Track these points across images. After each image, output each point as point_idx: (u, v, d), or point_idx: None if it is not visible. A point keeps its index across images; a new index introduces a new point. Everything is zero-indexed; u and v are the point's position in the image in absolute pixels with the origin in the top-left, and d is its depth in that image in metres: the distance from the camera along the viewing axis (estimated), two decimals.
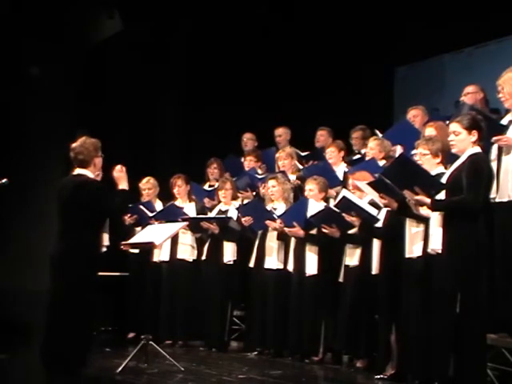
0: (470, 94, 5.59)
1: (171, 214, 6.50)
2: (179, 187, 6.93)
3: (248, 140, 7.69)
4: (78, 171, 4.55)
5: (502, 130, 4.56)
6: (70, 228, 4.46)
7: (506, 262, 4.42)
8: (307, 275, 5.85)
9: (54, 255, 4.49)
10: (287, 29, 8.56)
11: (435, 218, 4.43)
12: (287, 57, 8.67)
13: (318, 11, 8.42)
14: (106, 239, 6.33)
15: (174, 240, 6.65)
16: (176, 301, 6.69)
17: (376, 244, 5.26)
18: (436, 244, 4.39)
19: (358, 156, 6.60)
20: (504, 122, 4.66)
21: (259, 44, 8.71)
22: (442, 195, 4.37)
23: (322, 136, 7.13)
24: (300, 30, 8.54)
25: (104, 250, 6.06)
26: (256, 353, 6.18)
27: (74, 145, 4.58)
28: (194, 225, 6.65)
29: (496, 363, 4.43)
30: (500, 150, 4.54)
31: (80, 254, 4.41)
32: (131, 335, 6.80)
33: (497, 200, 4.49)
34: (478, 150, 4.36)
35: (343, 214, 5.45)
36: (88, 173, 4.54)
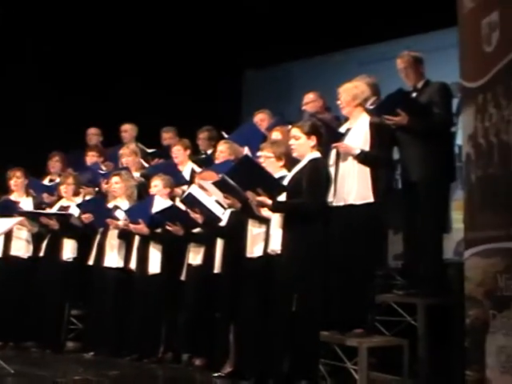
0: (310, 103, 5.83)
1: (6, 209, 6.23)
2: (17, 179, 6.65)
3: (93, 135, 7.51)
4: None
5: (341, 136, 4.77)
6: None
7: (340, 263, 4.61)
8: (150, 274, 5.80)
9: None
10: (134, 28, 8.43)
11: (276, 220, 4.56)
12: (137, 55, 8.55)
13: (154, 13, 8.37)
14: None
15: (8, 235, 6.35)
16: (8, 299, 6.34)
17: (220, 243, 5.31)
18: (275, 245, 4.51)
19: (204, 156, 6.66)
20: (342, 129, 4.87)
21: (107, 37, 8.50)
22: (283, 197, 4.51)
23: (167, 134, 7.12)
24: (147, 28, 8.45)
25: None
26: (93, 353, 6.02)
27: None
28: (31, 220, 6.40)
29: (327, 359, 4.61)
30: (338, 155, 4.73)
31: None
32: None
33: (334, 204, 4.68)
34: (317, 154, 4.56)
35: (188, 210, 5.46)
36: None
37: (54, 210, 6.54)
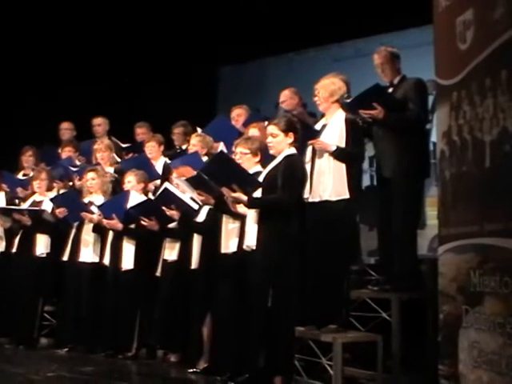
0: (286, 100, 5.84)
1: None
2: None
3: (65, 130, 7.43)
4: None
5: (316, 133, 4.78)
6: None
7: (315, 258, 4.63)
8: (123, 269, 5.77)
9: None
10: (108, 22, 8.36)
11: (251, 215, 4.55)
12: (111, 49, 8.49)
13: (127, 9, 8.30)
14: None
15: None
16: None
17: (196, 239, 5.29)
18: (251, 240, 4.50)
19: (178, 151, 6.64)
20: (318, 126, 4.88)
21: (76, 33, 8.42)
22: (258, 193, 4.51)
23: (140, 130, 7.08)
24: (121, 22, 8.39)
25: None
26: (67, 349, 5.98)
27: None
28: (4, 215, 6.34)
29: (303, 354, 4.63)
30: (314, 152, 4.75)
31: None
32: None
33: (309, 200, 4.69)
34: (293, 151, 4.56)
35: (163, 208, 5.44)
36: None
37: (27, 205, 6.48)
